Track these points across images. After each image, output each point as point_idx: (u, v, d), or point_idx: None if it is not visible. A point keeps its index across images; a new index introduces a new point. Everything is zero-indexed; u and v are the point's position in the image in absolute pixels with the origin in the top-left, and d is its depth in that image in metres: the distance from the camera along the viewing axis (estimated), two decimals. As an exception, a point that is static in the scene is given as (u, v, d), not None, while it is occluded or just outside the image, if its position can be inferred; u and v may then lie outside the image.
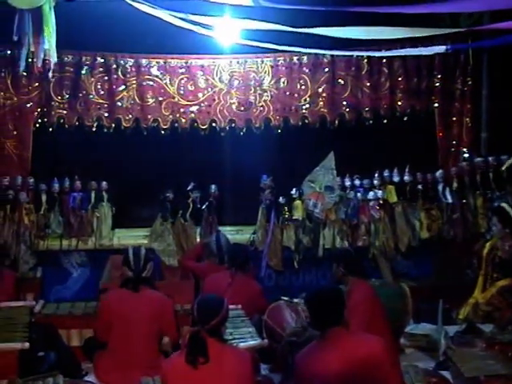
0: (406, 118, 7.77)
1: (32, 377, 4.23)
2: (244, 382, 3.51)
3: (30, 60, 6.48)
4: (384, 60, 7.70)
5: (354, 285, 4.85)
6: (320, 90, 7.71)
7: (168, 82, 7.56)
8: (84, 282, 7.59)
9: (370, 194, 7.52)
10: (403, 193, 7.60)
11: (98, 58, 7.46)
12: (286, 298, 5.66)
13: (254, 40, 6.47)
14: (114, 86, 7.48)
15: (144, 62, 7.53)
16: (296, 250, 7.55)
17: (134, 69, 7.51)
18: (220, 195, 7.57)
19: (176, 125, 7.62)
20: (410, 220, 7.55)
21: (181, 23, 5.89)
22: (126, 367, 4.60)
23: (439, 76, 7.77)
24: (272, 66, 7.68)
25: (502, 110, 7.51)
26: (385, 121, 7.76)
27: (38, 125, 7.43)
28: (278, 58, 7.68)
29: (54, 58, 5.26)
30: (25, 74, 7.04)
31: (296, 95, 7.71)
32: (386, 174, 7.58)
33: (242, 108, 7.67)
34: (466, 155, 7.67)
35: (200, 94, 7.61)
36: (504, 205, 6.20)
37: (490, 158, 7.42)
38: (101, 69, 7.47)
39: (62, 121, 7.43)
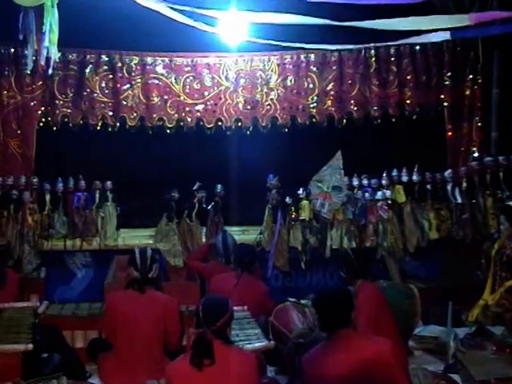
0: (414, 117, 7.75)
1: (36, 379, 4.25)
2: (250, 384, 3.52)
3: (34, 58, 6.48)
4: (392, 58, 7.69)
5: (360, 286, 4.84)
6: (328, 88, 7.70)
7: (173, 81, 7.56)
8: (88, 282, 7.59)
9: (378, 194, 7.49)
10: (412, 193, 7.56)
11: (103, 56, 7.45)
12: (292, 300, 5.66)
13: (260, 38, 6.48)
14: (119, 85, 7.47)
15: (149, 60, 7.53)
16: (303, 251, 7.51)
17: (139, 67, 7.51)
18: (226, 195, 7.54)
19: (181, 124, 7.62)
20: (419, 220, 7.52)
21: (184, 20, 5.89)
22: (131, 369, 4.61)
23: (449, 74, 7.75)
24: (279, 64, 7.67)
25: (513, 109, 7.50)
26: (393, 119, 7.74)
27: (41, 124, 7.43)
28: (285, 56, 7.67)
29: (55, 56, 5.26)
30: (29, 72, 7.03)
31: (303, 93, 7.70)
32: (394, 173, 7.55)
33: (249, 107, 7.66)
34: (476, 154, 7.63)
35: (206, 93, 7.61)
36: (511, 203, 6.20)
37: (501, 158, 7.37)
38: (105, 67, 7.46)
39: (66, 120, 7.43)
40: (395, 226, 7.48)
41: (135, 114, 7.51)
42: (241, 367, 3.49)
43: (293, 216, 7.55)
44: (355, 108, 7.72)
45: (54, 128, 7.45)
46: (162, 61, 7.56)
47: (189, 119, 7.60)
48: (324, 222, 7.50)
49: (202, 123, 7.63)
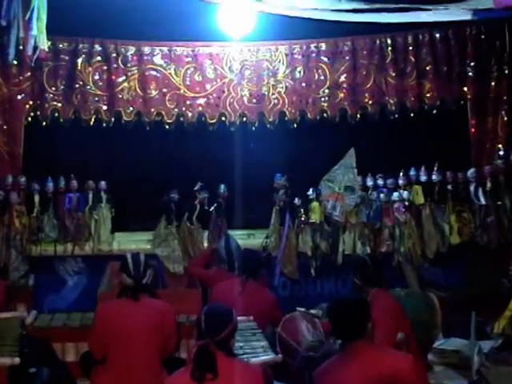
0: (434, 111, 7.72)
1: (23, 395, 4.24)
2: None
3: (21, 47, 6.46)
4: (410, 47, 7.66)
5: (374, 296, 4.81)
6: (340, 80, 7.68)
7: (173, 72, 7.55)
8: (81, 290, 7.61)
9: (395, 195, 7.48)
10: (431, 193, 7.55)
11: (96, 46, 7.44)
12: (301, 309, 5.68)
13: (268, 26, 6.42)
14: (114, 77, 7.46)
15: (147, 49, 7.52)
16: (313, 257, 7.52)
17: (135, 57, 7.50)
18: (230, 196, 7.57)
19: (181, 119, 7.61)
20: (439, 223, 7.52)
21: None
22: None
23: (472, 64, 7.70)
24: (287, 55, 7.65)
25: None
26: (411, 114, 7.72)
27: (30, 119, 7.44)
28: (294, 46, 7.65)
29: (44, 45, 5.23)
30: (15, 62, 7.03)
31: (313, 86, 7.68)
32: (412, 172, 7.55)
33: (254, 100, 7.65)
34: (502, 152, 7.60)
35: (208, 86, 7.60)
36: None
37: (528, 156, 7.39)
38: (99, 57, 7.45)
39: (56, 114, 7.43)
40: (413, 229, 7.47)
41: (131, 109, 7.50)
42: (246, 382, 3.47)
43: (302, 219, 7.57)
44: (370, 101, 7.69)
45: (44, 123, 7.45)
46: (160, 50, 7.55)
47: (189, 114, 7.59)
48: (336, 225, 7.51)
49: (203, 118, 7.63)
